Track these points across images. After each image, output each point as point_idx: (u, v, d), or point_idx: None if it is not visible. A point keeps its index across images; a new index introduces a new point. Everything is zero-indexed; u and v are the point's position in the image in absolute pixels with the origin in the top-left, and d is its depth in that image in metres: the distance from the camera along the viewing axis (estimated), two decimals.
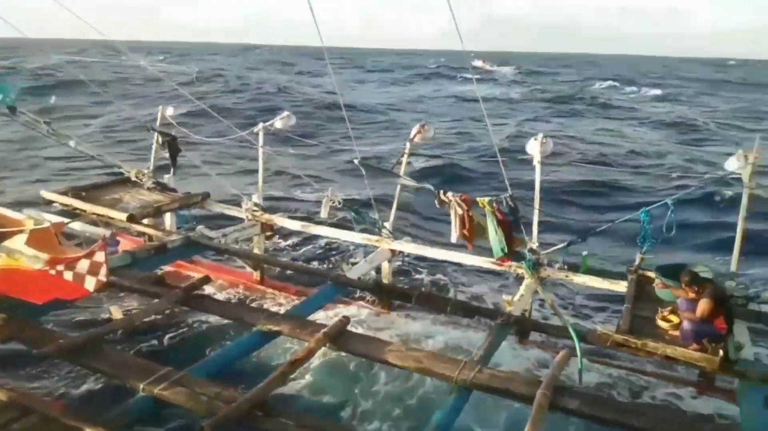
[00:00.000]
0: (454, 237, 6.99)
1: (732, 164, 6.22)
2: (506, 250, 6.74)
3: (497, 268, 7.15)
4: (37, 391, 5.93)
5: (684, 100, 43.43)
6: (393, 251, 7.96)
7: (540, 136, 7.05)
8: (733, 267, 6.36)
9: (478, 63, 73.15)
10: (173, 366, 4.96)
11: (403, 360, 5.24)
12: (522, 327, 6.75)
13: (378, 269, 8.20)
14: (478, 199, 6.77)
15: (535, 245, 6.90)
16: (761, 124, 30.43)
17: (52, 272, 5.20)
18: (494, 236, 6.72)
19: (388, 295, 7.58)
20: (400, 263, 9.34)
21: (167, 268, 8.39)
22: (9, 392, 4.52)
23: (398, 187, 7.91)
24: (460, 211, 6.81)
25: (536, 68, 76.90)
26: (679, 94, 47.53)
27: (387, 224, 7.98)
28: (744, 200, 6.23)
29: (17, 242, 5.45)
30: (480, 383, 4.89)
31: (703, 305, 5.14)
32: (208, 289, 7.58)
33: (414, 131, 8.00)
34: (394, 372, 6.43)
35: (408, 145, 7.98)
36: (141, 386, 4.61)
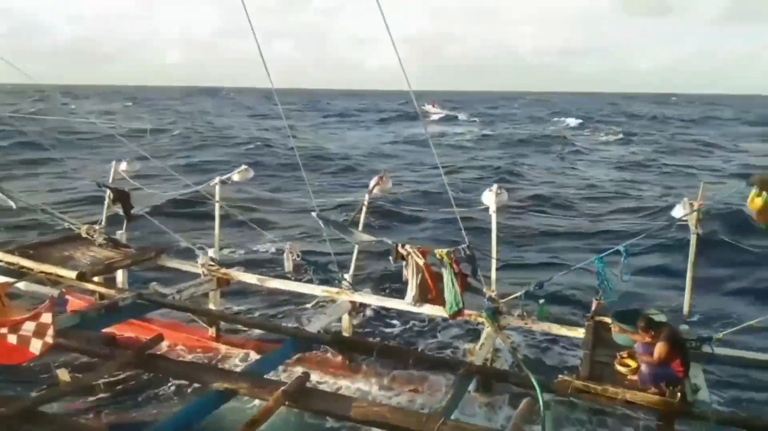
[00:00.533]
0: (409, 297, 6.87)
1: (678, 212, 6.48)
2: (461, 305, 6.72)
3: (458, 318, 7.13)
4: None
5: (643, 139, 45.33)
6: (353, 304, 7.89)
7: (495, 187, 7.22)
8: (685, 310, 6.53)
9: (428, 107, 73.97)
10: (125, 430, 4.72)
11: (365, 416, 5.13)
12: (484, 377, 6.71)
13: (339, 322, 8.09)
14: (436, 251, 6.80)
15: (493, 293, 6.95)
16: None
17: None
18: (450, 290, 6.69)
19: (350, 348, 7.47)
20: (362, 315, 9.25)
21: (119, 327, 8.07)
22: None
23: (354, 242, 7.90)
24: (420, 262, 6.81)
25: (489, 111, 77.58)
26: (639, 134, 49.38)
27: (347, 276, 7.93)
28: (692, 245, 6.45)
29: None
30: None
31: (660, 349, 5.23)
32: (162, 348, 7.30)
33: (372, 182, 8.08)
34: (357, 427, 6.27)
35: (367, 197, 8.05)
36: None
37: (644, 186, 24.84)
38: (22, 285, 7.56)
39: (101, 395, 6.94)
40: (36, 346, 4.94)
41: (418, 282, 6.75)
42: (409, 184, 22.51)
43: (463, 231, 6.70)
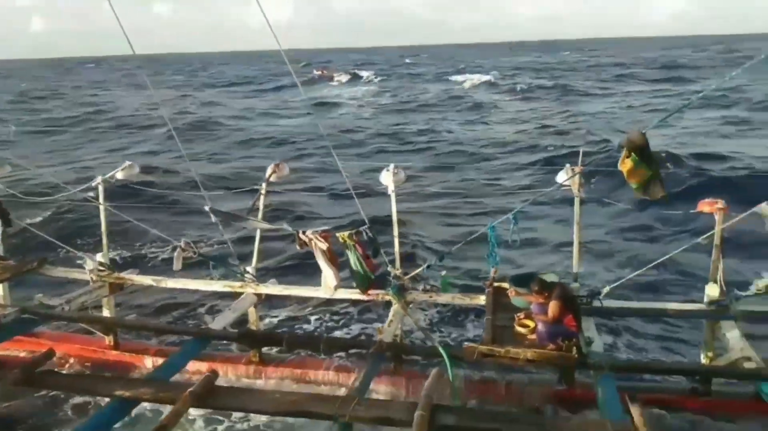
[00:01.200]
0: (331, 280, 6.84)
1: (561, 177, 6.87)
2: (372, 278, 6.83)
3: (365, 298, 7.21)
4: None
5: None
6: (259, 296, 7.72)
7: (392, 166, 7.29)
8: (574, 269, 6.97)
9: (317, 73, 71.78)
10: None
11: (279, 406, 5.07)
12: (395, 353, 6.83)
13: (245, 318, 7.91)
14: (338, 234, 6.81)
15: (398, 271, 7.07)
16: None
17: None
18: (357, 269, 6.77)
19: (258, 343, 7.30)
20: (266, 310, 9.10)
21: (4, 346, 7.43)
22: None
23: (258, 229, 7.72)
24: (323, 246, 6.78)
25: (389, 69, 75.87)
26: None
27: (250, 269, 7.74)
28: (576, 208, 6.88)
29: None
30: (359, 415, 4.84)
31: (553, 307, 5.55)
32: (54, 364, 6.80)
33: (269, 170, 7.90)
34: (272, 420, 6.20)
35: (263, 185, 7.86)
36: None
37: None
38: None
39: None
40: None
41: (326, 267, 6.76)
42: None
43: (362, 212, 6.74)
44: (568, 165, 6.89)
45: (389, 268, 7.05)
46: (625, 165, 5.81)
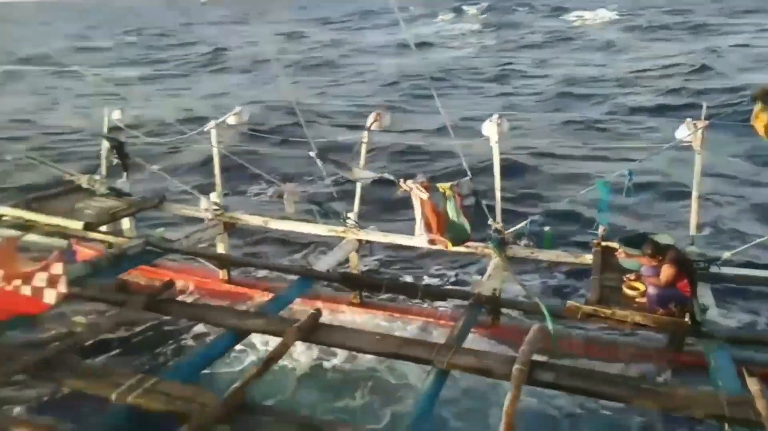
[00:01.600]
0: (418, 230, 6.91)
1: (682, 132, 6.39)
2: (468, 234, 6.77)
3: (464, 250, 7.19)
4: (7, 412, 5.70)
5: None
6: (360, 241, 7.93)
7: (495, 116, 7.08)
8: (692, 232, 6.55)
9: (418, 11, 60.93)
10: (145, 373, 4.83)
11: (378, 347, 5.23)
12: (493, 307, 6.82)
13: (346, 261, 8.16)
14: (438, 185, 6.77)
15: (499, 225, 6.97)
16: None
17: (9, 287, 5.00)
18: (456, 220, 6.74)
19: (358, 285, 7.56)
20: (368, 253, 9.31)
21: (130, 275, 8.15)
22: None
23: (359, 177, 7.84)
24: (423, 196, 6.79)
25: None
26: None
27: (351, 215, 7.93)
28: (696, 166, 6.41)
29: None
30: (456, 364, 4.91)
31: (666, 271, 5.28)
32: (174, 293, 7.37)
33: (370, 119, 7.93)
34: (371, 360, 6.43)
35: (365, 134, 7.92)
36: (113, 396, 4.46)
37: None
38: (29, 238, 7.55)
39: (118, 341, 7.08)
40: (50, 296, 4.99)
41: (423, 217, 6.78)
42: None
43: (464, 163, 6.64)
44: (689, 119, 6.40)
45: (490, 221, 6.97)
46: (761, 121, 5.32)
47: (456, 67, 31.36)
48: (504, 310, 7.07)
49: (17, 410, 5.83)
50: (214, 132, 8.41)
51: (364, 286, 7.43)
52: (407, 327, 7.31)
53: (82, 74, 11.17)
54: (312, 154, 7.48)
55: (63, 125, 18.56)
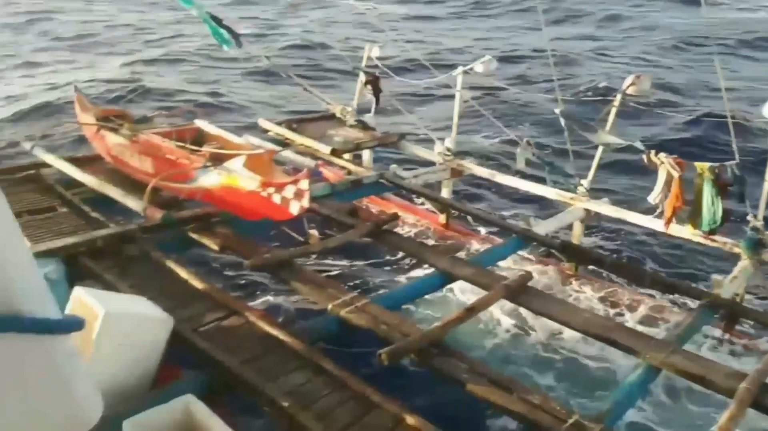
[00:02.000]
0: (652, 197, 6.30)
1: None
2: (718, 224, 5.97)
3: (708, 243, 6.37)
4: (244, 296, 6.68)
5: None
6: (587, 211, 7.49)
7: None
8: None
9: None
10: (358, 292, 5.25)
11: (586, 326, 4.96)
12: (730, 313, 6.00)
13: (568, 229, 7.81)
14: (696, 164, 6.01)
15: (759, 222, 6.00)
16: None
17: (263, 193, 5.72)
18: (709, 206, 5.96)
19: (577, 257, 7.19)
20: (593, 226, 8.78)
21: (361, 202, 8.81)
22: (222, 294, 5.15)
23: (602, 143, 7.33)
24: (675, 174, 6.09)
25: None
26: None
27: (584, 182, 7.49)
28: None
29: (236, 164, 6.06)
30: (672, 364, 4.45)
31: None
32: (396, 225, 7.80)
33: (627, 81, 7.27)
34: (574, 337, 6.16)
35: (618, 97, 7.31)
36: (329, 306, 4.95)
37: None
38: (285, 154, 8.55)
39: (342, 257, 7.77)
40: (294, 207, 5.61)
41: (667, 197, 6.12)
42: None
43: (734, 144, 5.78)
44: None
45: (749, 216, 6.03)
46: None
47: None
48: (743, 320, 6.18)
49: (248, 298, 6.73)
50: (459, 78, 8.49)
51: (583, 259, 7.05)
52: (621, 313, 6.81)
53: (353, 6, 11.89)
54: (557, 111, 7.16)
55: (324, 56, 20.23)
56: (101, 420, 1.47)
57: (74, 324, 1.31)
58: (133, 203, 6.29)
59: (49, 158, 7.44)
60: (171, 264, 5.48)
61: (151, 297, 4.63)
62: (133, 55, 20.44)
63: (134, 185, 6.80)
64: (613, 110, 7.29)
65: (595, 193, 7.59)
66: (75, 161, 7.57)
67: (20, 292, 1.21)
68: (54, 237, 5.64)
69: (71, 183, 7.08)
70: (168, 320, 4.29)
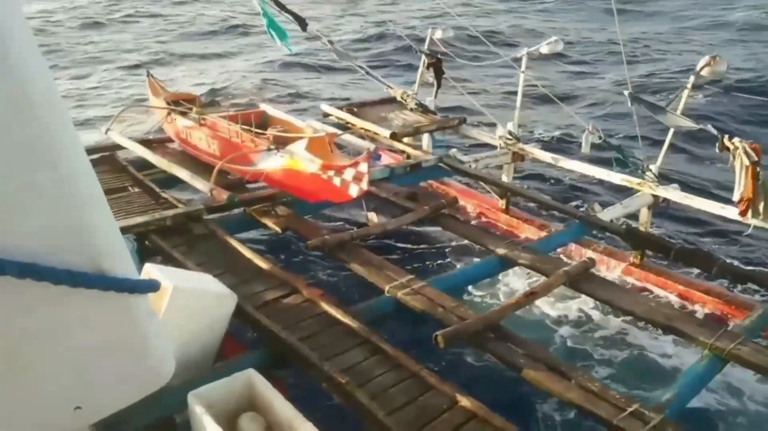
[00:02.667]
0: (736, 195, 5.99)
1: None
2: None
3: None
4: (303, 275, 6.84)
5: None
6: (655, 198, 7.20)
7: None
8: None
9: None
10: (415, 275, 5.28)
11: (649, 314, 4.82)
12: None
13: (634, 216, 7.56)
14: None
15: None
16: None
17: (324, 176, 5.84)
18: None
19: (642, 245, 6.94)
20: (660, 214, 8.47)
21: (419, 186, 8.81)
22: (283, 272, 5.30)
23: (673, 127, 7.03)
24: (746, 161, 5.79)
25: None
26: None
27: (653, 167, 7.21)
28: None
29: (299, 147, 6.19)
30: (740, 356, 4.28)
31: None
32: (454, 210, 7.78)
33: (702, 62, 6.91)
34: (636, 325, 6.00)
35: (692, 78, 6.96)
36: (386, 288, 5.01)
37: None
38: (346, 137, 8.64)
39: (400, 239, 7.83)
40: (354, 190, 5.70)
41: (742, 184, 5.81)
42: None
43: None
44: None
45: None
46: None
47: None
48: None
49: (308, 276, 6.87)
50: (525, 59, 8.31)
51: (649, 246, 6.81)
52: (687, 303, 6.55)
53: None
54: (626, 93, 6.91)
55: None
56: (167, 390, 1.60)
57: (152, 285, 1.43)
58: (200, 184, 6.53)
59: (122, 141, 7.81)
60: (235, 243, 5.68)
61: (216, 274, 4.83)
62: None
63: (201, 167, 7.07)
64: (686, 92, 6.96)
65: (663, 179, 7.31)
66: (146, 144, 7.93)
67: (106, 254, 1.33)
68: (126, 216, 5.95)
69: (143, 165, 7.42)
70: (232, 297, 4.45)
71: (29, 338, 1.30)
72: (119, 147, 7.86)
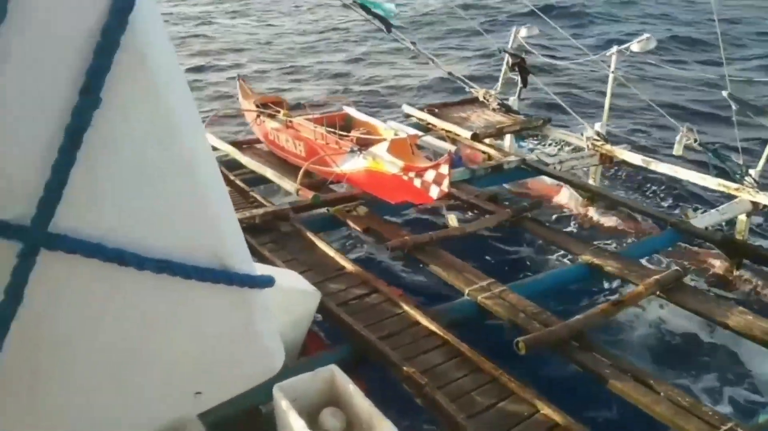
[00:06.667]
0: None
1: None
2: None
3: None
4: (384, 275, 6.91)
5: None
6: (755, 205, 6.77)
7: None
8: None
9: None
10: (496, 279, 5.22)
11: (748, 329, 4.55)
12: None
13: (731, 223, 7.13)
14: None
15: None
16: None
17: (405, 177, 5.89)
18: None
19: (740, 254, 6.54)
20: (760, 221, 7.94)
21: (501, 188, 8.70)
22: (364, 272, 5.39)
23: None
24: None
25: None
26: None
27: (752, 172, 6.78)
28: None
29: (380, 149, 6.28)
30: None
31: None
32: (537, 213, 7.63)
33: None
34: (733, 340, 5.65)
35: None
36: (466, 290, 5.00)
37: None
38: (427, 139, 8.66)
39: (481, 242, 7.75)
40: (434, 192, 5.71)
41: None
42: None
43: None
44: None
45: None
46: None
47: None
48: None
49: (388, 277, 6.92)
50: (614, 58, 8.03)
51: (747, 255, 6.41)
52: None
53: None
54: (725, 94, 6.54)
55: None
56: None
57: (269, 281, 1.53)
58: (287, 184, 6.76)
59: (215, 142, 8.20)
60: (319, 242, 5.84)
61: (301, 272, 4.98)
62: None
63: (288, 168, 7.31)
64: None
65: (764, 184, 6.85)
66: (237, 145, 8.28)
67: (231, 251, 1.43)
68: None
69: (234, 165, 7.75)
70: (316, 294, 4.58)
71: (158, 329, 1.42)
72: (213, 148, 8.25)
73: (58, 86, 1.12)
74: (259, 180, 7.52)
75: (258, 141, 8.58)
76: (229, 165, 7.81)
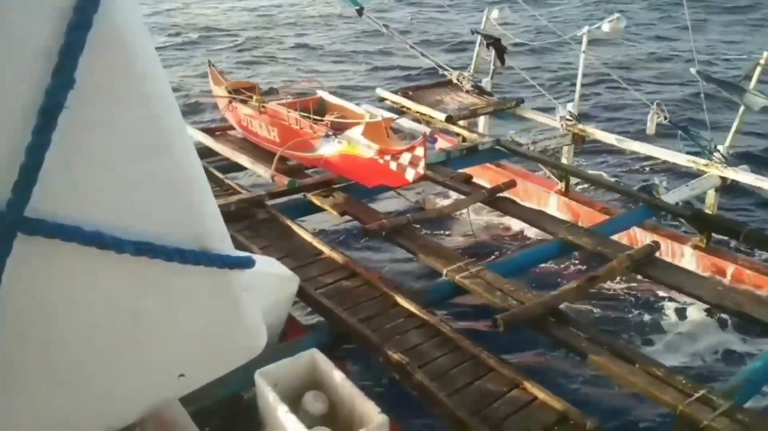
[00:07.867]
0: None
1: None
2: None
3: None
4: (362, 259, 6.95)
5: None
6: (723, 180, 6.92)
7: None
8: None
9: None
10: (472, 258, 5.28)
11: (718, 299, 4.67)
12: None
13: (700, 199, 7.29)
14: None
15: None
16: None
17: (381, 161, 5.89)
18: None
19: (709, 228, 6.70)
20: (730, 197, 8.12)
21: (475, 169, 8.74)
22: (342, 256, 5.40)
23: (741, 105, 6.72)
24: None
25: None
26: None
27: (721, 148, 6.92)
28: None
29: (355, 132, 6.25)
30: None
31: None
32: (510, 193, 7.70)
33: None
34: (704, 311, 5.82)
35: (765, 54, 6.62)
36: (444, 271, 5.03)
37: None
38: (402, 122, 8.64)
39: (457, 223, 7.82)
40: (410, 175, 5.72)
41: None
42: None
43: None
44: None
45: None
46: None
47: None
48: None
49: (367, 260, 6.97)
50: (585, 38, 8.09)
51: (715, 229, 6.57)
52: (756, 288, 6.29)
53: None
54: (693, 71, 6.65)
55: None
56: (236, 369, 1.69)
57: (249, 262, 1.53)
58: (261, 170, 6.70)
59: (187, 130, 8.08)
60: (296, 228, 5.82)
61: (279, 258, 4.96)
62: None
63: (262, 154, 7.24)
64: (759, 67, 6.63)
65: (732, 160, 7.01)
66: (210, 132, 8.17)
67: (210, 232, 1.43)
68: None
69: (207, 152, 7.65)
70: (294, 279, 4.58)
71: (141, 312, 1.41)
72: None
73: (31, 67, 1.09)
74: (233, 167, 7.44)
75: (231, 128, 8.48)
76: (202, 153, 7.69)
